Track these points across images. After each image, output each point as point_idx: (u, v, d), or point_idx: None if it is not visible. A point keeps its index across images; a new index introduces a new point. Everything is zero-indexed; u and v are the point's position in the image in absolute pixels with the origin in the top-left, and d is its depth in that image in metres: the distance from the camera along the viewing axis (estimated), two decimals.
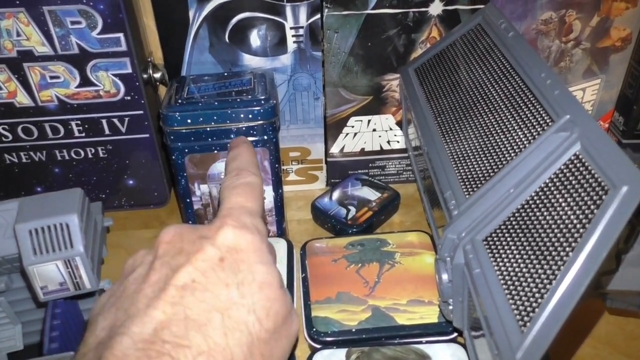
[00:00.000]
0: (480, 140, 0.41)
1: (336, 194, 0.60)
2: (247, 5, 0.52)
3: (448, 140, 0.44)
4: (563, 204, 0.31)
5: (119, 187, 0.61)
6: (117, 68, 0.52)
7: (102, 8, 0.49)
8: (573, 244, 0.29)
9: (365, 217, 0.57)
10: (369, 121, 0.61)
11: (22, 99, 0.53)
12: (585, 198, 0.30)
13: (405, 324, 0.45)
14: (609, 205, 0.28)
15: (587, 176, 0.30)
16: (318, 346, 0.44)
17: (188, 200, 0.52)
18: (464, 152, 0.41)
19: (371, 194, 0.60)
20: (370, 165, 0.64)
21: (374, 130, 0.61)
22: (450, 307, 0.39)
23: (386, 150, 0.63)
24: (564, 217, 0.30)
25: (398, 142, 0.62)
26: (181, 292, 0.27)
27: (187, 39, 0.54)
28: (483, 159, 0.39)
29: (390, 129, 0.61)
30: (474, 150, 0.40)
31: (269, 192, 0.53)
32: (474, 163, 0.40)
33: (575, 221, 0.29)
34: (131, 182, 0.60)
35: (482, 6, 0.53)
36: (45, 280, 0.38)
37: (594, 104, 0.62)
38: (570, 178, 0.31)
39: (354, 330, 0.45)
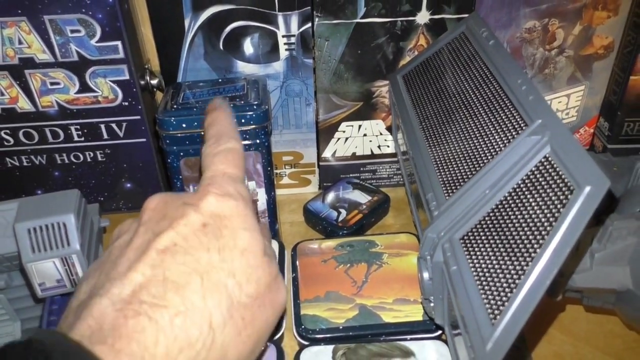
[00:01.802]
0: (461, 144, 0.42)
1: (328, 197, 0.62)
2: (240, 14, 0.54)
3: (431, 144, 0.46)
4: (533, 204, 0.33)
5: (117, 190, 0.62)
6: (115, 75, 0.54)
7: (101, 17, 0.51)
8: (541, 241, 0.30)
9: (356, 220, 0.59)
10: (359, 126, 0.62)
11: (24, 104, 0.55)
12: (553, 198, 0.31)
13: (391, 321, 0.46)
14: (574, 204, 0.29)
15: (555, 177, 0.32)
16: (306, 343, 0.46)
17: None
18: (445, 155, 0.43)
19: (362, 197, 0.62)
20: (362, 169, 0.66)
21: (365, 135, 0.63)
22: (432, 305, 0.41)
23: (377, 155, 0.64)
24: (533, 216, 0.32)
25: (388, 146, 0.64)
26: (162, 256, 0.27)
27: (182, 47, 0.56)
28: (463, 162, 0.41)
29: (381, 133, 0.63)
30: (455, 154, 0.42)
31: (261, 195, 0.55)
32: (454, 166, 0.42)
33: (543, 219, 0.31)
34: (129, 185, 0.62)
35: (467, 15, 0.55)
36: (43, 277, 0.39)
37: (579, 109, 0.63)
38: (540, 179, 0.33)
39: (341, 327, 0.46)
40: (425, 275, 0.39)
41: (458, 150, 0.42)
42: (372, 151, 0.64)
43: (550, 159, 0.33)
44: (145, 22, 0.56)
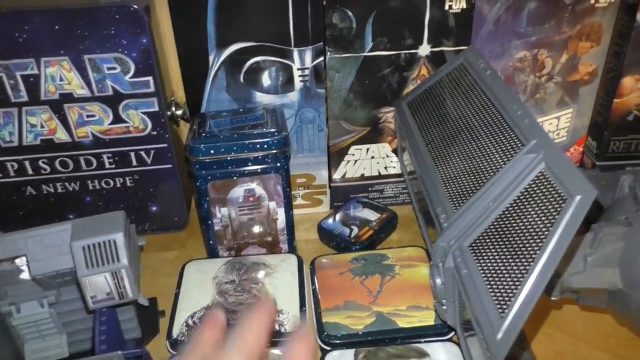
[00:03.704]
0: (464, 163, 0.47)
1: (339, 216, 0.67)
2: (259, 50, 0.60)
3: (438, 164, 0.51)
4: (532, 212, 0.38)
5: (144, 213, 0.67)
6: (145, 107, 0.59)
7: (135, 55, 0.56)
8: (540, 244, 0.35)
9: (367, 236, 0.64)
10: (367, 149, 0.68)
11: (61, 135, 0.60)
12: (549, 206, 0.36)
13: (406, 326, 0.51)
14: (567, 211, 0.34)
15: (550, 189, 0.37)
16: (328, 348, 0.50)
17: (210, 222, 0.58)
18: (451, 173, 0.48)
19: (371, 215, 0.67)
20: (370, 189, 0.71)
21: (373, 157, 0.68)
22: (444, 307, 0.45)
23: (384, 175, 0.70)
24: (532, 222, 0.37)
25: (394, 167, 0.69)
26: None
27: (207, 80, 0.61)
28: (467, 178, 0.46)
29: (387, 156, 0.68)
30: (459, 172, 0.47)
31: (281, 214, 0.59)
32: (460, 182, 0.47)
33: (541, 225, 0.36)
34: (154, 208, 0.67)
35: (464, 47, 0.61)
36: (95, 290, 0.44)
37: (569, 130, 0.69)
38: (537, 191, 0.38)
39: (360, 333, 0.51)
40: (438, 280, 0.44)
41: (462, 168, 0.47)
42: (379, 172, 0.69)
43: (545, 173, 0.38)
44: (172, 58, 0.61)
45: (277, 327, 0.51)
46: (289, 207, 0.59)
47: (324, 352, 0.50)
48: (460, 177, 0.47)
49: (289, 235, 0.61)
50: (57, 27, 0.54)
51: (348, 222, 0.66)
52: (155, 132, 0.61)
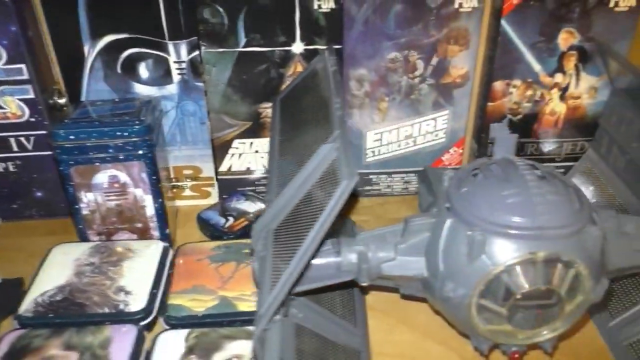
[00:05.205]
0: (295, 155, 0.50)
1: (220, 207, 0.69)
2: (134, 42, 0.62)
3: (281, 156, 0.53)
4: (320, 197, 0.40)
5: (29, 198, 0.69)
6: (21, 93, 0.61)
7: (5, 43, 0.58)
8: (313, 224, 0.37)
9: (241, 226, 0.66)
10: (251, 143, 0.69)
11: None
12: (330, 191, 0.38)
13: (245, 310, 0.53)
14: (334, 193, 0.37)
15: (334, 176, 0.39)
16: (168, 328, 0.52)
17: (76, 206, 0.60)
18: (284, 166, 0.51)
19: (251, 207, 0.69)
20: (256, 183, 0.72)
21: (257, 151, 0.70)
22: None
23: (268, 170, 0.71)
24: (318, 205, 0.39)
25: None
26: None
27: (84, 70, 0.63)
28: (291, 169, 0.48)
29: None
30: (289, 164, 0.50)
31: (149, 201, 0.61)
32: (288, 173, 0.49)
33: (321, 208, 0.38)
34: (39, 194, 0.68)
35: (339, 46, 0.63)
36: None
37: (447, 131, 0.71)
38: (328, 178, 0.40)
39: (200, 315, 0.52)
40: (255, 265, 0.46)
41: (291, 161, 0.49)
42: (264, 166, 0.71)
43: (335, 161, 0.41)
44: (51, 47, 0.63)
45: (122, 307, 0.53)
46: (157, 194, 0.61)
47: (160, 332, 0.51)
48: (289, 168, 0.49)
49: (160, 223, 0.63)
50: None
51: (226, 212, 0.68)
52: (33, 119, 0.63)
